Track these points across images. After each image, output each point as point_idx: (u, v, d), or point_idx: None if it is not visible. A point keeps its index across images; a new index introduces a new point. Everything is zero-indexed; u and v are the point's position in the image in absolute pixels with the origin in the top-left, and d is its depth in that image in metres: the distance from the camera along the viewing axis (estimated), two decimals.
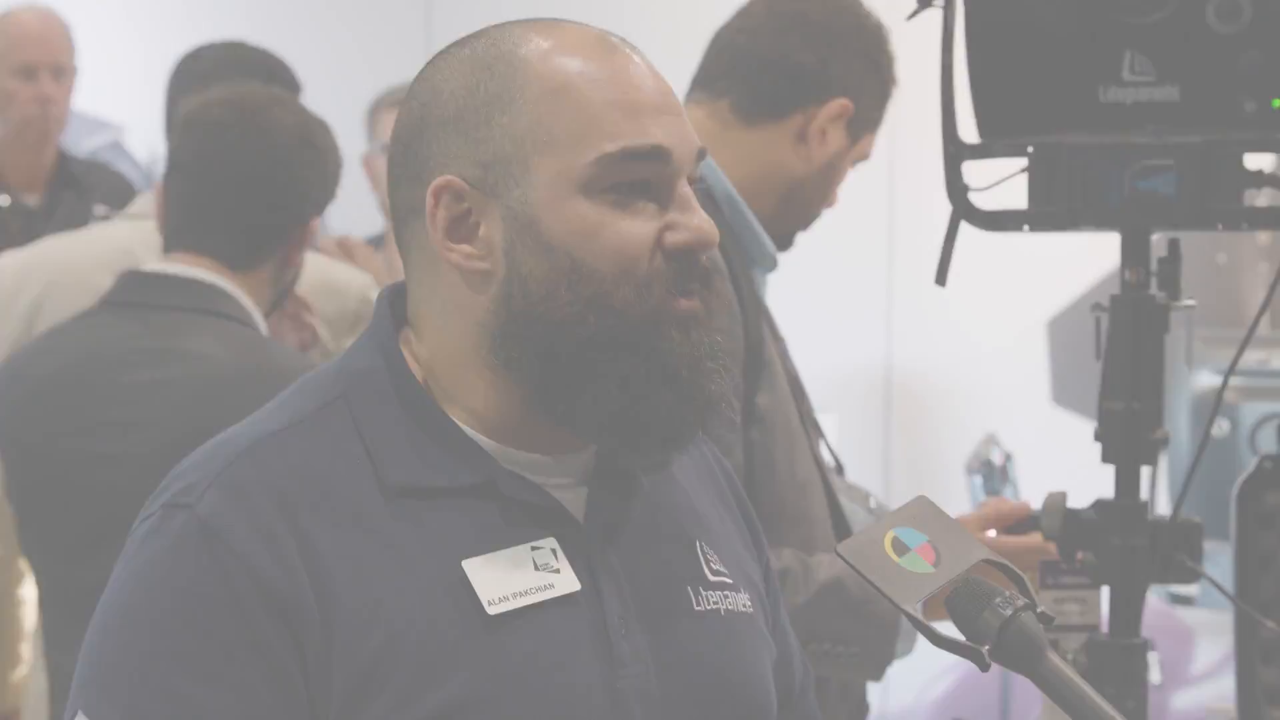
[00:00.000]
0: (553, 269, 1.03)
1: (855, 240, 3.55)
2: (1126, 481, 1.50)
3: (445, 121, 1.05)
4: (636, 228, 1.04)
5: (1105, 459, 1.50)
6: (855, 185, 1.82)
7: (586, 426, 1.05)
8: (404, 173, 1.05)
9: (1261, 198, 1.58)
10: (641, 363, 1.05)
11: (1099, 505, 1.49)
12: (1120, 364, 1.50)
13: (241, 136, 1.69)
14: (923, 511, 1.02)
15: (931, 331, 3.62)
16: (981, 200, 1.52)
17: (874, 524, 1.08)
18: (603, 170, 1.02)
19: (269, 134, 1.70)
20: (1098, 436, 1.50)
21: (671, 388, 1.05)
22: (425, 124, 1.05)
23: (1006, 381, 3.41)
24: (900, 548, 1.02)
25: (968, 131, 1.55)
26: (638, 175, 1.03)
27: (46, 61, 2.81)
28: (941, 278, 1.44)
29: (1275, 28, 1.46)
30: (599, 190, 1.02)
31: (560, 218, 1.04)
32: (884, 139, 1.83)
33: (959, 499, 2.52)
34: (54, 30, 2.87)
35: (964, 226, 1.50)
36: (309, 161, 1.74)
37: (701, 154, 1.06)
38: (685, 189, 1.05)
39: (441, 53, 1.07)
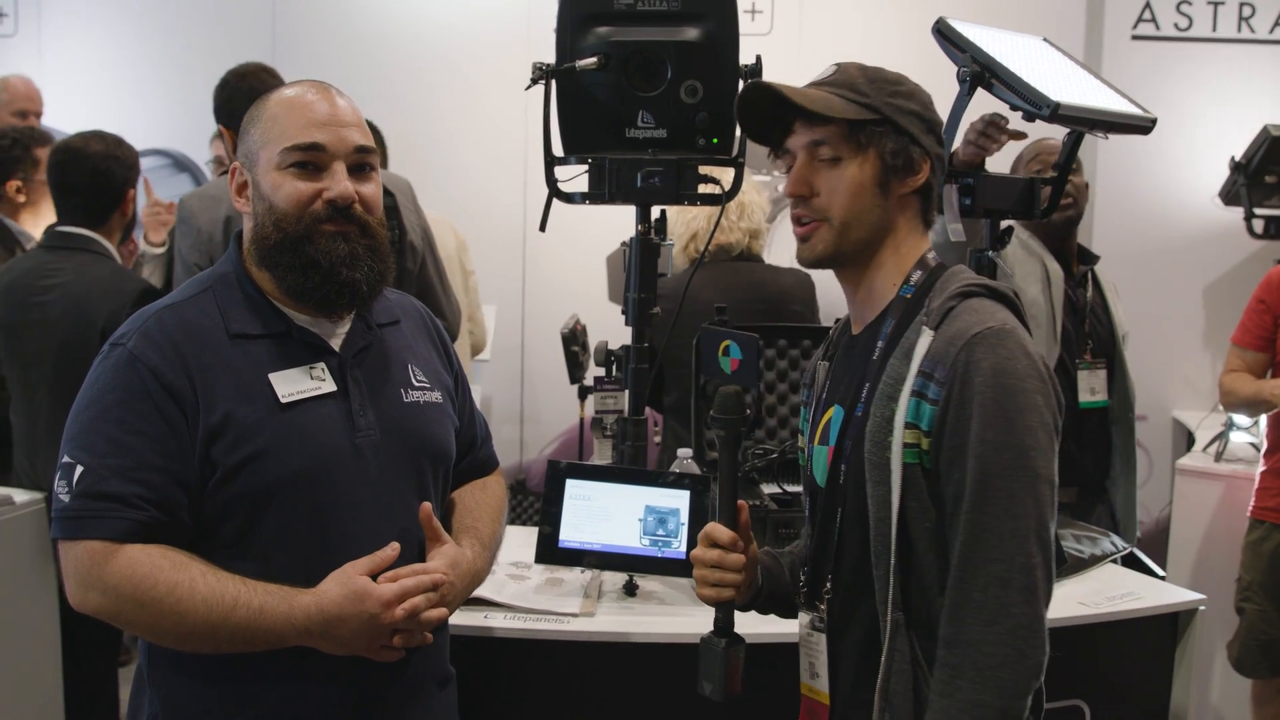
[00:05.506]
0: (263, 209, 1.55)
1: None
2: (638, 332, 2.31)
3: (240, 133, 1.61)
4: (303, 186, 1.54)
5: (627, 323, 2.31)
6: None
7: (291, 293, 1.56)
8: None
9: (703, 189, 2.25)
10: (297, 258, 1.54)
11: (623, 347, 2.35)
12: (638, 272, 2.28)
13: (90, 156, 2.78)
14: (747, 344, 1.62)
15: None
16: (564, 186, 2.30)
17: (733, 331, 1.63)
18: (285, 155, 1.54)
19: (99, 156, 2.80)
20: (623, 310, 2.31)
21: (315, 270, 1.54)
22: (240, 134, 1.61)
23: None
24: (726, 350, 1.61)
25: (558, 149, 2.27)
26: (305, 159, 1.54)
27: (33, 109, 3.89)
28: (542, 227, 2.26)
29: (715, 101, 2.17)
30: (285, 166, 1.54)
31: (268, 181, 1.55)
32: None
33: None
34: (34, 89, 4.21)
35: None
36: (119, 163, 2.80)
37: (360, 150, 1.57)
38: (338, 167, 1.54)
39: None
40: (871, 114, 1.48)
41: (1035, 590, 1.37)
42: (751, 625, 1.66)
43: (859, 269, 1.54)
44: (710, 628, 1.59)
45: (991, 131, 2.30)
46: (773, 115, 1.53)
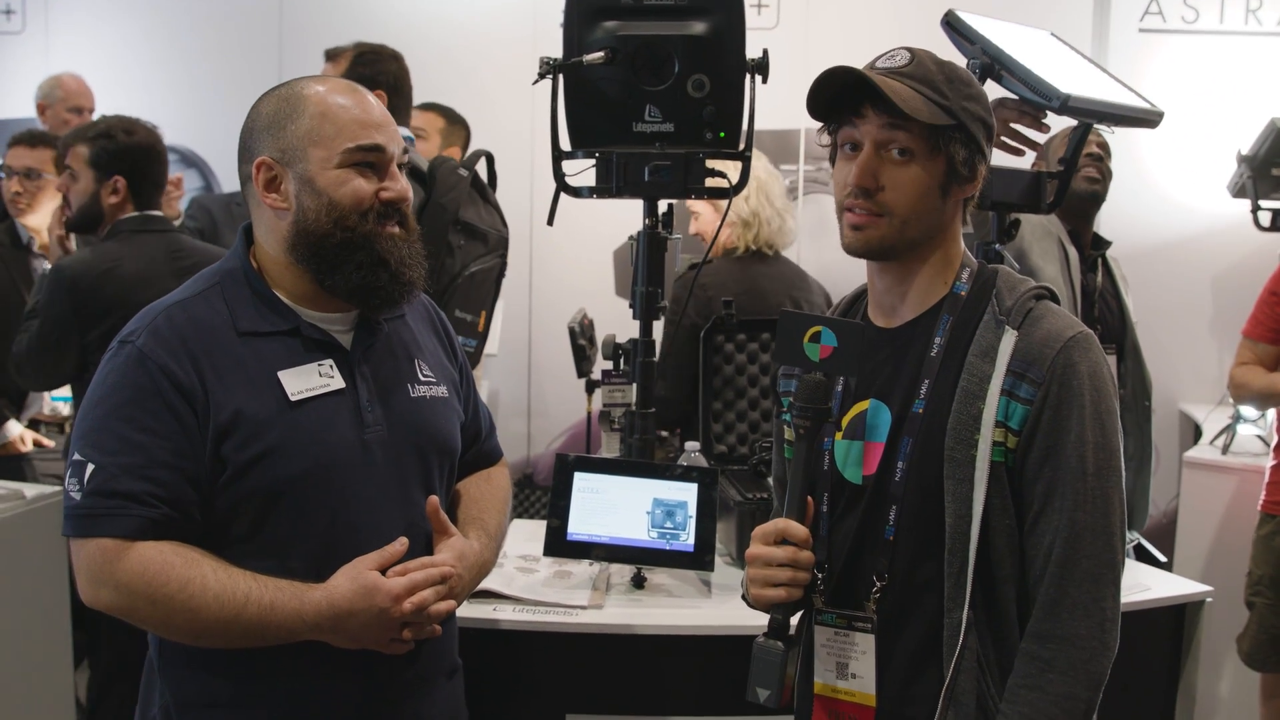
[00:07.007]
0: (319, 205, 1.53)
1: None
2: (646, 325, 2.32)
3: (262, 128, 1.56)
4: (364, 185, 1.54)
5: (635, 317, 2.32)
6: None
7: (342, 291, 1.56)
8: (242, 157, 1.57)
9: (710, 183, 2.25)
10: (366, 256, 1.54)
11: (630, 340, 2.35)
12: (645, 266, 2.30)
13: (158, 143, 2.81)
14: (849, 331, 1.46)
15: None
16: (572, 180, 2.31)
17: (826, 317, 1.50)
18: (349, 155, 1.53)
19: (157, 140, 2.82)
20: (631, 304, 2.32)
21: (385, 269, 1.55)
22: (252, 130, 1.57)
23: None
24: (815, 336, 1.48)
25: (565, 143, 2.28)
26: (367, 159, 1.55)
27: (87, 105, 4.12)
28: (550, 221, 2.29)
29: (722, 95, 2.19)
30: (347, 165, 1.53)
31: (325, 178, 1.53)
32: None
33: None
34: (86, 86, 4.27)
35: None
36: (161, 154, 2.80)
37: (404, 150, 1.60)
38: (394, 168, 1.56)
39: (261, 95, 1.60)
40: (950, 119, 1.46)
41: (1118, 584, 1.44)
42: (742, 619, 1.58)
43: (906, 264, 1.52)
44: (765, 630, 1.50)
45: (1025, 121, 2.23)
46: (843, 96, 1.49)
